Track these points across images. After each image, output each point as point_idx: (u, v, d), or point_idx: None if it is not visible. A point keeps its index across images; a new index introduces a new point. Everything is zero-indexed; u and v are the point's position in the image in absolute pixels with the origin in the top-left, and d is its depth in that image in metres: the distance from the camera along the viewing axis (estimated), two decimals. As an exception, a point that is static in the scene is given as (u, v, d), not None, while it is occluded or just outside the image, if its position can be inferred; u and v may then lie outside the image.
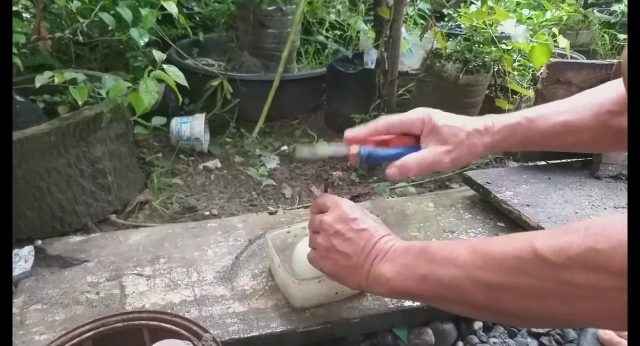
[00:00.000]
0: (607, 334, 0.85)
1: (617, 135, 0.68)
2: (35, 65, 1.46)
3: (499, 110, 1.61)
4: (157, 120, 1.56)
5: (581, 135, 0.70)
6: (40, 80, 1.06)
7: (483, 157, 1.62)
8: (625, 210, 1.09)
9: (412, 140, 0.75)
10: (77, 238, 1.05)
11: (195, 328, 0.69)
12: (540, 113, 0.72)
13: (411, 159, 0.71)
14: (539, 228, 1.01)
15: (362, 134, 0.75)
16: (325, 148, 0.76)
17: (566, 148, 0.76)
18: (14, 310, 0.84)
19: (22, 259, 0.96)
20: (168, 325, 0.70)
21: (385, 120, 0.75)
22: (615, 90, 0.69)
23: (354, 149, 0.74)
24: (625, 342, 0.83)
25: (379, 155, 0.74)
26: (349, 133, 0.75)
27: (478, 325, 0.97)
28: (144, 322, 0.71)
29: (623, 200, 1.13)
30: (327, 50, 2.27)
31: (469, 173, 1.23)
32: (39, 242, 1.03)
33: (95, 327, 0.70)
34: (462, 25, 1.95)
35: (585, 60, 1.63)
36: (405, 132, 0.75)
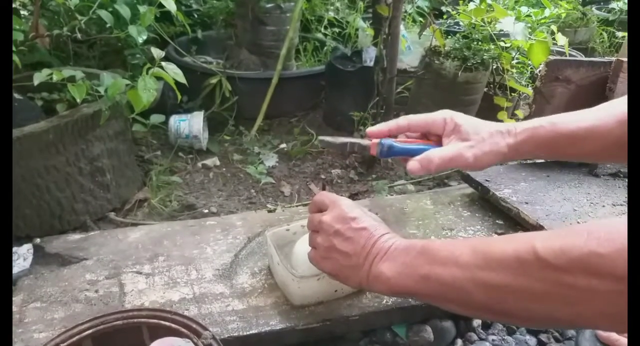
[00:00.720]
0: (606, 332, 0.85)
1: None
2: (33, 63, 1.46)
3: (498, 108, 1.61)
4: (156, 118, 1.55)
5: (604, 142, 0.68)
6: (38, 77, 1.06)
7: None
8: (624, 208, 1.10)
9: (433, 142, 0.75)
10: (76, 236, 1.04)
11: (194, 325, 0.69)
12: (563, 118, 0.71)
13: (433, 153, 0.70)
14: (537, 225, 1.01)
15: (384, 129, 0.75)
16: (346, 138, 0.77)
17: (588, 155, 0.74)
18: (13, 308, 0.84)
19: (21, 257, 0.95)
20: (167, 323, 0.70)
21: (408, 118, 0.75)
22: None
23: (376, 140, 0.74)
24: (624, 340, 0.83)
25: (400, 148, 0.74)
26: (371, 129, 0.75)
27: (477, 322, 0.98)
28: (143, 320, 0.71)
29: (621, 197, 1.13)
30: (325, 48, 2.27)
31: (468, 171, 1.23)
32: (38, 240, 1.02)
33: (95, 325, 0.70)
34: (461, 23, 1.95)
35: (584, 58, 1.63)
36: (426, 130, 0.75)
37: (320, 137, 0.78)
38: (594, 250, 0.42)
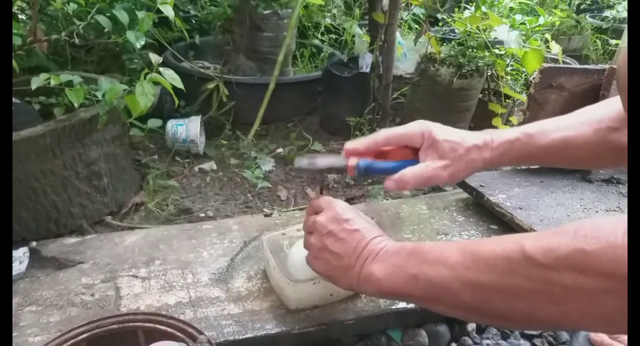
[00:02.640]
0: (599, 336, 0.86)
1: (617, 152, 0.68)
2: (31, 67, 1.46)
3: (492, 114, 1.62)
4: (153, 123, 1.56)
5: (580, 151, 0.70)
6: (36, 82, 1.07)
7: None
8: (617, 213, 1.11)
9: (411, 152, 0.75)
10: (72, 240, 1.04)
11: (190, 329, 0.69)
12: (539, 128, 0.72)
13: (408, 173, 0.71)
14: (531, 230, 1.02)
15: (361, 147, 0.74)
16: (323, 160, 0.76)
17: (565, 164, 0.76)
18: (9, 311, 0.84)
19: (17, 260, 0.95)
20: (163, 327, 0.70)
21: (385, 133, 0.75)
22: (615, 106, 0.69)
23: (352, 161, 0.74)
24: (617, 344, 0.84)
25: (377, 168, 0.74)
26: (348, 145, 0.75)
27: (471, 326, 0.98)
28: (138, 324, 0.71)
29: (615, 203, 1.14)
30: (322, 54, 2.28)
31: (463, 177, 1.23)
32: (34, 244, 1.02)
33: (90, 329, 0.70)
34: (456, 30, 1.97)
35: (578, 66, 1.65)
36: (404, 144, 0.75)
37: (296, 165, 0.76)
38: (579, 247, 0.43)
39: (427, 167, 0.72)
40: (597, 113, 0.71)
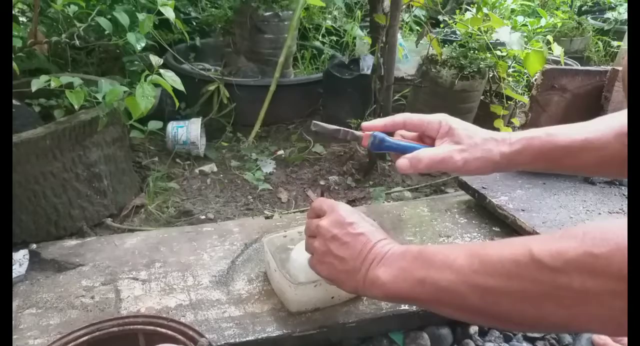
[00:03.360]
0: (602, 339, 0.85)
1: None
2: (32, 69, 1.46)
3: (494, 116, 1.62)
4: (154, 125, 1.55)
5: (600, 154, 0.68)
6: (36, 84, 1.06)
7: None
8: (620, 215, 1.10)
9: (428, 144, 0.75)
10: (72, 242, 1.04)
11: (191, 332, 0.69)
12: (560, 130, 0.71)
13: (423, 153, 0.71)
14: (534, 233, 1.02)
15: (380, 124, 0.75)
16: (339, 127, 0.77)
17: (585, 168, 0.73)
18: (8, 314, 0.83)
19: (17, 263, 0.95)
20: (163, 330, 0.70)
21: (404, 116, 0.74)
22: None
23: (369, 132, 0.74)
24: (620, 346, 0.83)
25: (392, 144, 0.74)
26: (366, 123, 0.75)
27: (474, 329, 0.97)
28: (139, 327, 0.71)
29: (617, 205, 1.14)
30: (323, 56, 2.28)
31: (465, 178, 1.23)
32: (34, 246, 1.02)
33: (90, 332, 0.69)
34: (458, 32, 1.97)
35: (580, 67, 1.64)
36: (421, 130, 0.75)
37: (314, 122, 0.77)
38: (588, 250, 0.43)
39: (442, 148, 0.71)
40: (619, 119, 0.69)
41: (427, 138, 0.76)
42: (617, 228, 0.42)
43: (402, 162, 0.71)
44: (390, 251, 0.64)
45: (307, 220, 0.75)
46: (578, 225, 0.47)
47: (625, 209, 1.12)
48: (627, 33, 2.42)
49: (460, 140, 0.71)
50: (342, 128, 0.76)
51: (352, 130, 0.76)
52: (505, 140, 0.71)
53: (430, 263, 0.58)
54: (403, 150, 0.73)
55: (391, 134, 0.78)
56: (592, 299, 0.43)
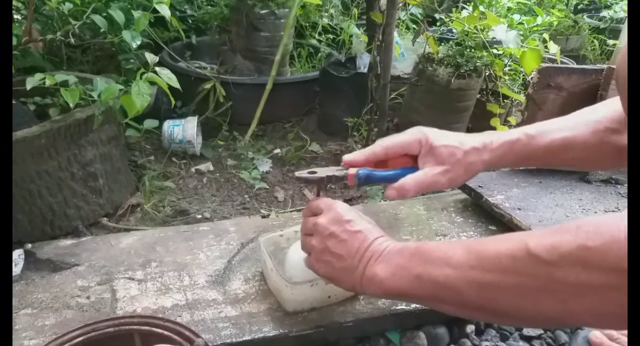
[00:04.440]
0: (598, 338, 0.85)
1: (616, 153, 0.68)
2: (27, 67, 1.46)
3: (490, 114, 1.62)
4: (149, 123, 1.55)
5: (579, 152, 0.70)
6: (31, 82, 1.06)
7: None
8: (616, 214, 1.10)
9: (410, 159, 0.75)
10: (68, 242, 1.03)
11: (187, 332, 0.68)
12: (539, 129, 0.72)
13: (409, 181, 0.72)
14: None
15: (360, 158, 0.75)
16: (324, 170, 0.77)
17: (565, 165, 0.77)
18: (3, 314, 0.83)
19: (12, 263, 0.94)
20: (159, 330, 0.69)
21: (382, 144, 0.75)
22: (614, 108, 0.69)
23: (352, 170, 0.74)
24: (615, 345, 0.84)
25: (377, 177, 0.75)
26: (347, 157, 0.75)
27: (470, 328, 0.98)
28: (135, 327, 0.70)
29: (613, 203, 1.14)
30: (319, 54, 2.28)
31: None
32: (29, 246, 1.01)
33: (86, 332, 0.69)
34: (454, 30, 1.97)
35: (576, 65, 1.65)
36: (403, 153, 0.75)
37: (297, 174, 0.77)
38: (582, 243, 0.43)
39: (426, 174, 0.72)
40: (596, 114, 0.71)
41: (409, 157, 0.76)
42: (610, 221, 0.43)
43: (391, 193, 0.72)
44: (388, 248, 0.64)
45: (304, 219, 0.75)
46: (573, 220, 0.48)
47: (621, 207, 1.12)
48: (626, 32, 2.43)
49: (442, 160, 0.72)
50: (325, 175, 0.76)
51: (335, 174, 0.75)
52: (486, 146, 0.73)
53: (428, 260, 0.58)
54: (390, 180, 0.74)
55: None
56: (587, 292, 0.43)
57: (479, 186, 1.18)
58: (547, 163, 0.76)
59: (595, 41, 2.81)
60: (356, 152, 0.76)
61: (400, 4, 1.52)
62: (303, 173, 0.76)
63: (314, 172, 0.76)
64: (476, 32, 1.68)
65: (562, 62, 1.90)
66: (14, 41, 1.19)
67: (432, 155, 0.72)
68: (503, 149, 0.72)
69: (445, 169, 0.71)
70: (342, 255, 0.67)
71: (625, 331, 0.81)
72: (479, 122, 1.75)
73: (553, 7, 2.61)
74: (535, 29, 1.94)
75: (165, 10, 1.23)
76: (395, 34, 1.75)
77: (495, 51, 1.70)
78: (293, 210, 1.36)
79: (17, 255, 0.97)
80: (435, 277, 0.56)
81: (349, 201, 1.44)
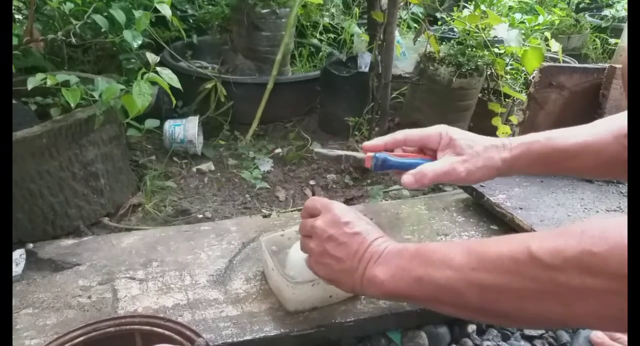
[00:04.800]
0: (600, 338, 0.85)
1: None
2: (28, 67, 1.46)
3: (492, 114, 1.62)
4: (151, 123, 1.55)
5: (600, 157, 0.69)
6: (32, 82, 1.06)
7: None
8: (618, 213, 1.10)
9: (428, 156, 0.76)
10: (69, 242, 1.04)
11: (188, 332, 0.68)
12: (559, 133, 0.72)
13: (428, 167, 0.72)
14: (531, 231, 1.02)
15: (380, 144, 0.76)
16: (341, 151, 0.78)
17: (583, 172, 0.74)
18: (5, 314, 0.83)
19: (13, 262, 0.95)
20: (160, 330, 0.69)
21: (404, 132, 0.76)
22: None
23: (371, 154, 0.75)
24: (617, 345, 0.84)
25: (395, 162, 0.76)
26: (367, 143, 0.77)
27: (472, 328, 0.97)
28: (136, 327, 0.70)
29: (615, 203, 1.14)
30: (321, 54, 2.28)
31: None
32: (30, 245, 1.02)
33: (87, 332, 0.69)
34: (455, 29, 1.97)
35: (577, 64, 1.64)
36: (422, 144, 0.76)
37: (316, 150, 0.78)
38: (587, 248, 0.43)
39: (444, 161, 0.72)
40: (619, 121, 0.70)
41: (428, 151, 0.77)
42: (616, 226, 0.42)
43: (407, 178, 0.72)
44: (387, 249, 0.64)
45: (302, 220, 0.75)
46: (577, 223, 0.48)
47: (623, 207, 1.12)
48: (627, 30, 2.42)
49: (461, 151, 0.72)
50: (344, 153, 0.77)
51: (353, 154, 0.77)
52: (505, 146, 0.73)
53: (428, 261, 0.58)
54: (407, 168, 0.74)
55: (392, 150, 0.79)
56: (590, 297, 0.43)
57: (481, 185, 1.18)
58: (565, 168, 0.74)
59: (597, 40, 2.80)
60: (376, 139, 0.77)
61: (402, 3, 1.52)
62: (322, 149, 0.77)
63: (333, 149, 0.78)
64: (477, 31, 1.68)
65: (563, 61, 1.89)
66: (15, 41, 1.19)
67: (451, 147, 0.73)
68: (521, 149, 0.72)
69: (464, 159, 0.71)
70: (341, 257, 0.66)
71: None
72: (481, 121, 1.75)
73: (555, 6, 2.60)
74: (536, 27, 1.93)
75: (166, 10, 1.23)
76: (397, 33, 1.75)
77: (496, 50, 1.69)
78: (294, 210, 1.36)
79: (19, 255, 0.97)
80: (436, 279, 0.55)
81: (351, 200, 1.44)
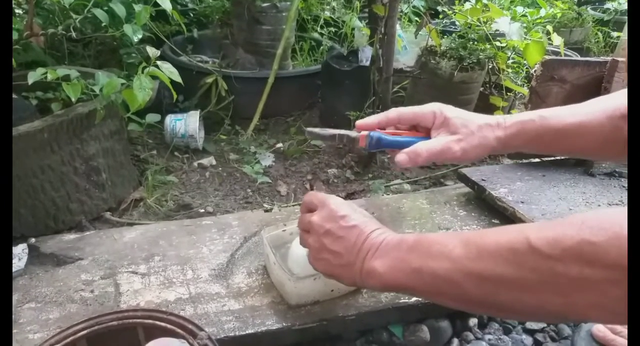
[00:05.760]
0: (601, 331, 0.85)
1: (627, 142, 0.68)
2: (28, 62, 1.45)
3: (493, 107, 1.61)
4: (151, 117, 1.55)
5: (593, 137, 0.69)
6: (33, 77, 1.06)
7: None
8: (619, 207, 1.10)
9: (422, 134, 0.75)
10: (71, 236, 1.04)
11: (190, 326, 0.68)
12: (554, 113, 0.72)
13: (421, 146, 0.71)
14: (533, 225, 1.01)
15: (374, 122, 0.75)
16: (335, 130, 0.76)
17: (577, 151, 0.75)
18: (8, 308, 0.83)
19: (16, 257, 0.95)
20: (163, 324, 0.69)
21: (397, 110, 0.75)
22: None
23: (364, 132, 0.74)
24: (620, 339, 0.84)
25: (389, 141, 0.75)
26: (360, 121, 0.75)
27: (473, 321, 0.98)
28: (138, 321, 0.70)
29: (617, 197, 1.14)
30: (321, 47, 2.27)
31: (464, 170, 1.23)
32: (33, 240, 1.02)
33: (90, 326, 0.69)
34: (457, 23, 1.96)
35: (579, 58, 1.64)
36: (416, 123, 0.75)
37: (308, 129, 0.77)
38: (586, 238, 0.42)
39: (439, 141, 0.71)
40: (613, 101, 0.70)
41: (421, 129, 0.76)
42: (615, 216, 0.42)
43: (401, 157, 0.72)
44: (385, 241, 0.64)
45: (300, 215, 0.75)
46: (576, 214, 0.47)
47: (625, 201, 1.12)
48: (627, 24, 2.41)
49: (456, 129, 0.71)
50: (337, 132, 0.76)
51: (347, 133, 0.76)
52: (500, 124, 0.72)
53: (427, 253, 0.57)
54: (401, 146, 0.73)
55: (384, 129, 0.78)
56: (589, 287, 0.43)
57: (482, 179, 1.18)
58: (560, 147, 0.74)
59: (599, 33, 2.79)
60: (369, 117, 0.76)
61: (403, -3, 1.51)
62: (315, 129, 0.76)
63: (326, 129, 0.76)
64: (479, 24, 1.67)
65: (565, 55, 1.89)
66: (16, 36, 1.19)
67: (445, 125, 0.72)
68: (516, 127, 0.71)
69: (459, 138, 0.71)
70: (339, 252, 0.66)
71: (628, 325, 0.81)
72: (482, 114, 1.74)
73: (556, -1, 2.59)
74: (538, 21, 1.93)
75: (166, 4, 1.22)
76: (398, 26, 1.74)
77: (498, 44, 1.68)
78: (296, 204, 1.36)
79: (21, 250, 0.97)
80: (435, 270, 0.55)
81: (352, 195, 1.44)
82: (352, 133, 0.75)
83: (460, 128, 0.71)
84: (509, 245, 0.49)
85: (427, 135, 0.74)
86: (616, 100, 0.70)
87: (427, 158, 0.71)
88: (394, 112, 0.75)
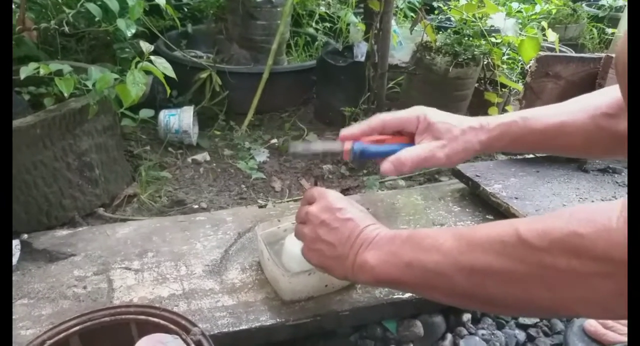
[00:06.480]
0: (593, 326, 0.86)
1: (612, 139, 0.68)
2: (21, 57, 1.44)
3: (488, 103, 1.62)
4: (145, 113, 1.54)
5: (576, 137, 0.70)
6: (25, 71, 1.05)
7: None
8: (609, 202, 1.10)
9: (406, 139, 0.75)
10: (64, 232, 1.03)
11: (183, 322, 0.68)
12: (536, 113, 0.72)
13: (405, 154, 0.71)
14: (527, 221, 1.02)
15: (357, 132, 0.75)
16: (318, 145, 0.76)
17: (561, 150, 0.76)
18: (0, 304, 0.83)
19: (12, 253, 0.94)
20: (156, 319, 0.69)
21: (380, 118, 0.75)
22: (612, 94, 0.69)
23: (347, 145, 0.74)
24: (610, 333, 0.84)
25: (373, 151, 0.74)
26: (344, 131, 0.75)
27: (467, 317, 0.98)
28: (131, 316, 0.70)
29: (610, 192, 1.14)
30: (317, 43, 2.26)
31: (459, 167, 1.23)
32: (25, 236, 1.01)
33: (82, 322, 0.69)
34: (452, 18, 1.95)
35: (574, 54, 1.64)
36: (399, 129, 0.75)
37: (291, 150, 0.76)
38: (574, 230, 0.43)
39: (423, 148, 0.72)
40: (594, 100, 0.71)
41: (406, 134, 0.76)
42: (603, 209, 0.42)
43: (387, 166, 0.72)
44: (379, 235, 0.64)
45: (299, 208, 0.75)
46: (567, 207, 0.48)
47: (618, 196, 1.12)
48: (626, 19, 2.42)
49: (439, 135, 0.72)
50: (321, 150, 0.75)
51: (330, 148, 0.75)
52: (483, 127, 0.73)
53: (419, 247, 0.58)
54: (386, 155, 0.73)
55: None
56: (577, 280, 0.43)
57: (477, 175, 1.18)
58: (544, 148, 0.76)
59: (594, 30, 2.80)
60: (352, 126, 0.75)
61: (398, -8, 1.51)
62: (298, 147, 0.75)
63: (308, 147, 0.75)
64: (474, 20, 1.67)
65: (560, 51, 1.89)
66: (7, 30, 1.18)
67: (429, 131, 0.72)
68: (500, 130, 0.72)
69: (443, 144, 0.71)
70: (333, 242, 0.67)
71: (620, 320, 0.82)
72: (477, 111, 1.74)
73: (552, -5, 2.59)
74: (533, 17, 1.93)
75: (160, -2, 1.22)
76: (393, 22, 1.74)
77: (493, 39, 1.69)
78: (290, 200, 1.36)
79: (14, 246, 0.97)
80: (426, 264, 0.56)
81: (347, 190, 1.44)
82: (336, 148, 0.74)
83: (444, 133, 0.71)
84: (499, 237, 0.49)
85: (411, 141, 0.75)
86: (597, 99, 0.71)
87: (411, 166, 0.71)
88: (377, 120, 0.74)
